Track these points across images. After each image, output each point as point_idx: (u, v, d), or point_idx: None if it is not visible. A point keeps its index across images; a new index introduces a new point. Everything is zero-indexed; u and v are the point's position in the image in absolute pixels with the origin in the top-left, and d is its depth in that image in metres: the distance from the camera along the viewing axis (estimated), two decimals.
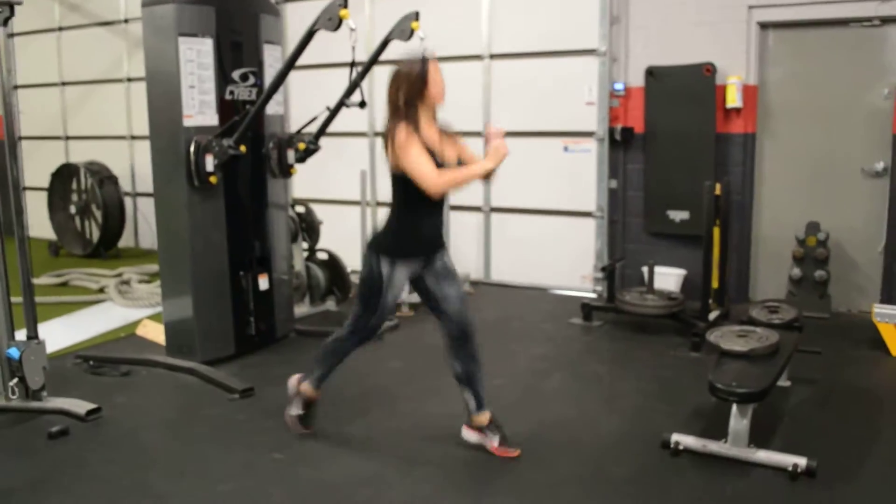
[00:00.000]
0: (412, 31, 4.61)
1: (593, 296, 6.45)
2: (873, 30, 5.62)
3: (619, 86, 6.37)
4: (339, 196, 7.27)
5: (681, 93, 6.12)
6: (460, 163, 3.42)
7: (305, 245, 6.00)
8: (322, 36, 4.25)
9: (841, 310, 5.94)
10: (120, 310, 6.21)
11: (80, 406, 4.03)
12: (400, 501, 3.22)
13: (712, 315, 5.42)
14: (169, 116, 4.59)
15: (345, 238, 6.44)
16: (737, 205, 6.07)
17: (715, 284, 6.00)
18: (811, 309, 5.85)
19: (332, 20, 4.06)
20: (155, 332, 5.44)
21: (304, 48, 4.25)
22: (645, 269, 6.32)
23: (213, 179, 4.60)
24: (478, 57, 6.85)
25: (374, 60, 4.76)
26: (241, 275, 4.98)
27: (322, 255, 6.17)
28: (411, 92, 3.27)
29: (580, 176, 6.56)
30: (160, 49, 4.55)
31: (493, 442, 3.58)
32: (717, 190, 5.96)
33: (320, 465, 3.52)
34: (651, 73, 6.23)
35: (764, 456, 3.43)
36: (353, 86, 4.83)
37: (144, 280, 7.01)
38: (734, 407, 3.48)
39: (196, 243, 4.71)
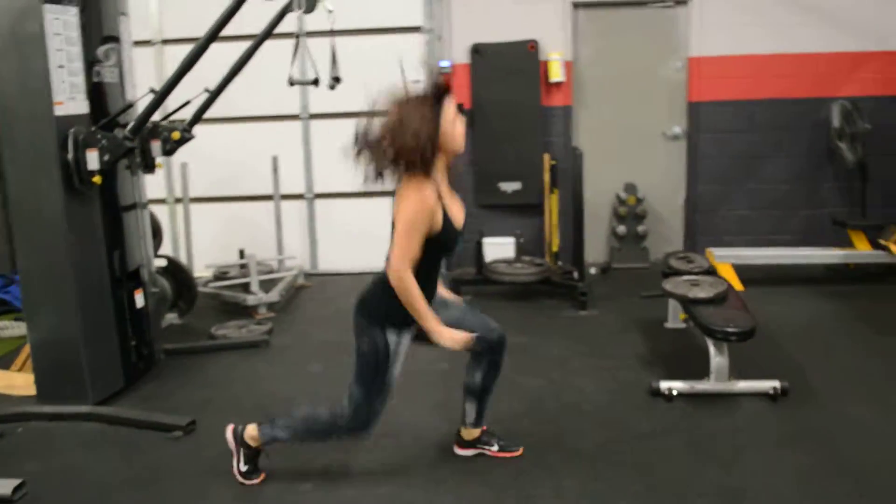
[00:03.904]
0: (315, 3, 4.17)
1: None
2: (667, 10, 6.41)
3: (444, 63, 6.44)
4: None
5: (507, 69, 6.38)
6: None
7: None
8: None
9: (655, 259, 6.73)
10: None
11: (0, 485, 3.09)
12: (473, 497, 3.04)
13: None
14: (31, 104, 3.63)
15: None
16: (561, 173, 6.53)
17: (555, 247, 6.44)
18: (634, 261, 6.58)
19: None
20: None
21: (230, 18, 3.65)
22: (477, 240, 6.48)
23: (96, 179, 3.76)
24: (290, 35, 6.38)
25: (267, 34, 4.23)
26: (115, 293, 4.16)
27: (161, 262, 5.35)
28: (426, 136, 2.68)
29: None
30: (15, 19, 3.56)
31: (493, 448, 3.35)
32: (549, 160, 6.39)
33: (354, 487, 3.15)
34: (477, 50, 6.40)
35: (745, 385, 3.85)
36: (242, 63, 4.29)
37: None
38: (712, 347, 3.84)
39: (77, 259, 3.82)
